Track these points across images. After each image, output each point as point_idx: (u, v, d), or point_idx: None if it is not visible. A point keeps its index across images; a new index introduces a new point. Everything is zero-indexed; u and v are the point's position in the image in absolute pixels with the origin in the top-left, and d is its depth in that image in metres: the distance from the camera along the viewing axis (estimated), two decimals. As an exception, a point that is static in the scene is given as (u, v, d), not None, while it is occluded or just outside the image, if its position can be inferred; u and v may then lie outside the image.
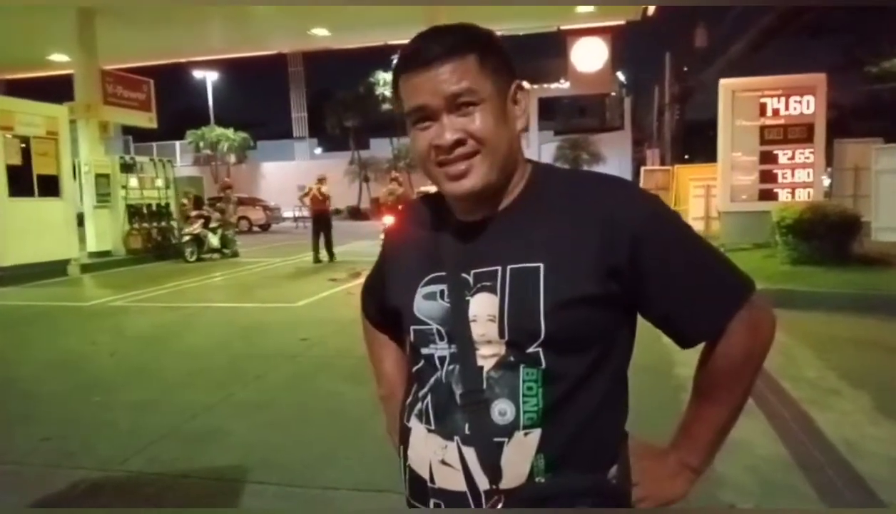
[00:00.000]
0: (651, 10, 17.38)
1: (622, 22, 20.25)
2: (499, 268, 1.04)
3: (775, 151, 11.63)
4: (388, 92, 36.51)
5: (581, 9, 17.70)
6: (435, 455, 1.07)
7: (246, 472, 3.43)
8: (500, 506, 1.03)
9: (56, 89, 17.32)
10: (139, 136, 32.48)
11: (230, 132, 42.63)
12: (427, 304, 1.10)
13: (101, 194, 14.84)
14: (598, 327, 1.04)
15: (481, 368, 1.03)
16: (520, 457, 1.01)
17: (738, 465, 3.23)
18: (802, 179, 11.58)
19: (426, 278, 1.11)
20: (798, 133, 11.54)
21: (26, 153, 12.07)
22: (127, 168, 15.46)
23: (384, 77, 37.81)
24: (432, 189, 1.13)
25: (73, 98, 15.11)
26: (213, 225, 15.39)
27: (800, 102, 11.49)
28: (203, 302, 9.41)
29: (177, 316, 8.30)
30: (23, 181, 11.91)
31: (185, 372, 5.54)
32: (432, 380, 1.09)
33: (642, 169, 25.11)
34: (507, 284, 1.03)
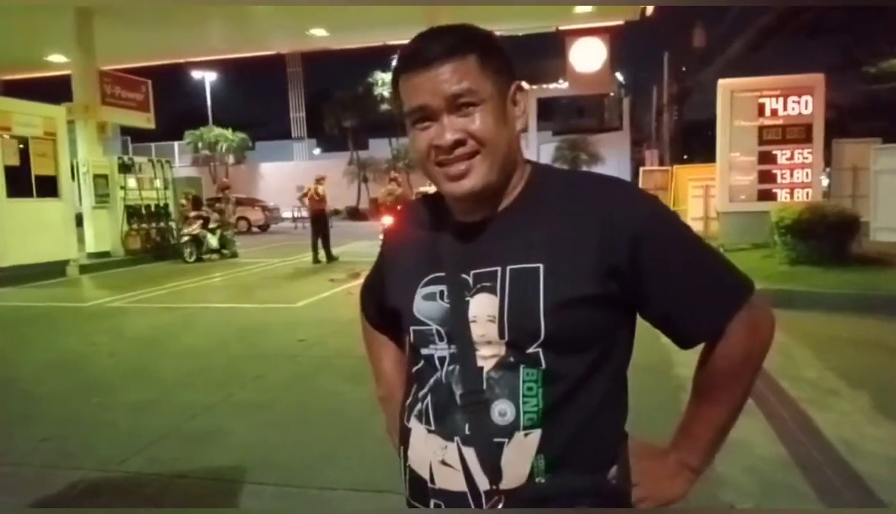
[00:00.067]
0: (649, 10, 17.40)
1: (621, 22, 20.27)
2: (498, 268, 1.04)
3: (774, 152, 11.64)
4: (386, 92, 36.51)
5: (580, 9, 17.72)
6: (435, 456, 1.07)
7: (245, 472, 3.43)
8: (500, 506, 1.03)
9: (54, 90, 17.32)
10: (137, 136, 32.42)
11: (229, 133, 42.63)
12: (427, 304, 1.10)
13: (100, 195, 14.84)
14: (597, 328, 1.04)
15: (481, 368, 1.04)
16: (520, 457, 1.02)
17: (737, 465, 3.23)
18: (801, 180, 11.59)
19: (426, 279, 1.11)
20: (796, 133, 11.55)
21: (24, 154, 12.05)
22: (125, 169, 15.45)
23: (383, 77, 37.81)
24: (431, 189, 1.13)
25: (72, 99, 15.11)
26: (211, 226, 15.39)
27: (798, 102, 11.51)
28: (202, 303, 9.40)
29: (176, 317, 8.30)
30: (21, 182, 11.90)
31: (185, 372, 5.54)
32: (432, 380, 1.09)
33: (641, 169, 25.13)
34: (506, 284, 1.03)
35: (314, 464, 3.53)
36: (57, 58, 18.42)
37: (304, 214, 17.49)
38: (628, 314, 1.09)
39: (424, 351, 1.11)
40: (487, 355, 1.04)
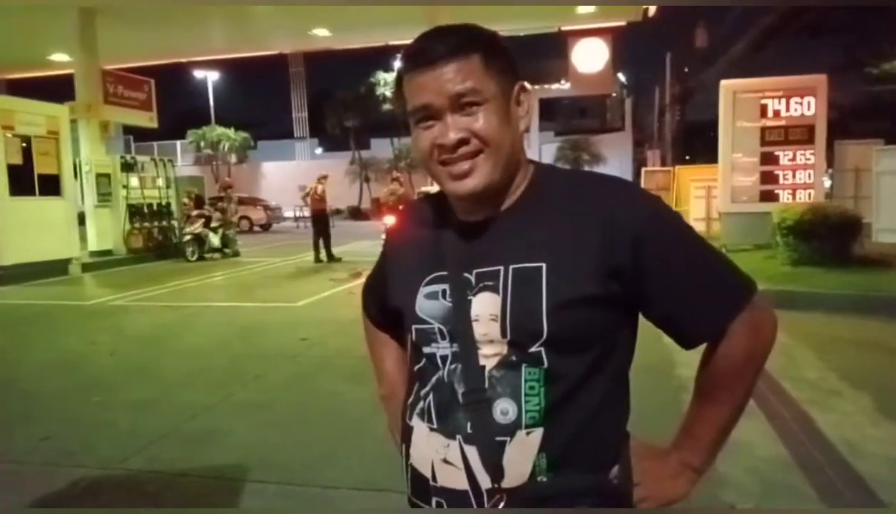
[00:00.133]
0: (652, 10, 17.38)
1: (623, 23, 20.23)
2: (501, 268, 1.04)
3: (776, 153, 11.64)
4: (388, 92, 36.55)
5: (582, 9, 17.70)
6: (437, 454, 1.07)
7: (246, 471, 3.43)
8: (501, 505, 1.03)
9: (57, 89, 17.33)
10: (140, 135, 32.51)
11: (231, 132, 42.65)
12: (429, 303, 1.10)
13: (102, 194, 14.85)
14: (599, 328, 1.04)
15: (483, 367, 1.04)
16: (522, 456, 1.01)
17: (738, 465, 3.23)
18: (803, 181, 11.58)
19: (428, 278, 1.11)
20: (799, 134, 11.54)
21: (27, 153, 12.08)
22: (128, 168, 15.46)
23: (385, 77, 37.82)
24: (433, 189, 1.13)
25: (74, 98, 15.12)
26: (213, 225, 15.41)
27: (800, 103, 11.50)
28: (203, 301, 9.41)
29: (177, 316, 8.31)
30: (24, 180, 11.92)
31: (185, 372, 5.54)
32: (434, 379, 1.09)
33: (643, 170, 25.10)
34: (509, 283, 1.03)
35: (315, 464, 3.53)
36: (60, 57, 18.44)
37: (306, 213, 17.48)
38: (630, 315, 1.09)
39: (426, 350, 1.11)
40: (489, 354, 1.04)
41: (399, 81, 1.07)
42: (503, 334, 1.02)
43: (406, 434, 1.15)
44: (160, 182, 16.33)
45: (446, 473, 1.06)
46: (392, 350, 1.39)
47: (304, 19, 17.27)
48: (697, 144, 34.96)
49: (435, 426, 1.08)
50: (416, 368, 1.14)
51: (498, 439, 1.02)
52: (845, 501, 2.97)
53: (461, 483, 1.04)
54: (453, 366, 1.06)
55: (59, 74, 19.31)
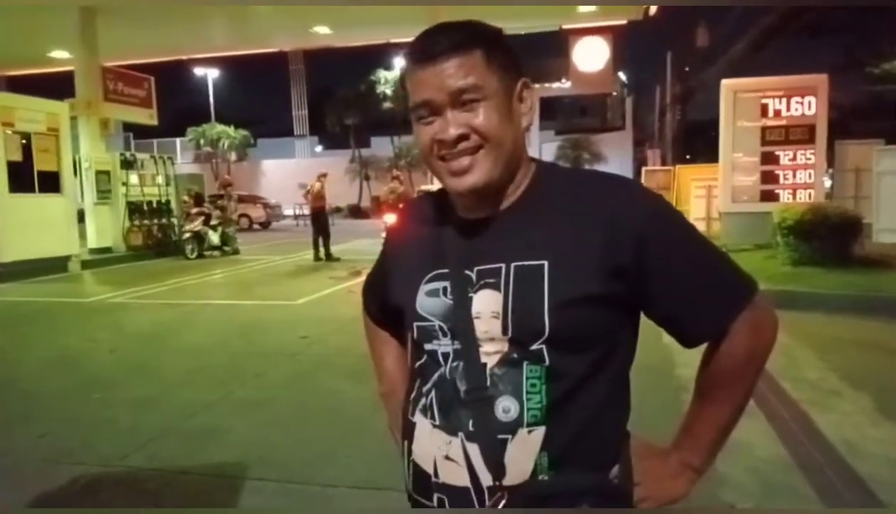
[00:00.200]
0: (653, 9, 17.38)
1: (624, 22, 20.25)
2: (503, 265, 1.04)
3: (776, 152, 11.64)
4: (389, 90, 36.57)
5: (583, 8, 17.72)
6: (439, 450, 1.07)
7: (245, 469, 3.43)
8: (502, 503, 1.02)
9: (57, 86, 17.33)
10: (140, 133, 32.46)
11: (231, 130, 42.64)
12: (430, 301, 1.10)
13: (102, 191, 14.86)
14: (601, 327, 1.04)
15: (484, 365, 1.03)
16: (523, 454, 1.01)
17: (738, 465, 3.23)
18: (804, 181, 11.59)
19: (429, 275, 1.11)
20: (799, 134, 11.54)
21: (27, 149, 12.08)
22: (128, 165, 15.46)
23: (385, 75, 37.82)
24: (433, 188, 1.13)
25: (74, 95, 15.12)
26: (213, 222, 15.41)
27: (801, 102, 11.50)
28: (203, 299, 9.41)
29: (177, 313, 8.31)
30: (23, 177, 11.92)
31: (185, 370, 5.54)
32: (436, 376, 1.09)
33: (643, 169, 25.12)
34: (510, 281, 1.03)
35: (314, 462, 3.53)
36: (60, 54, 18.44)
37: (306, 211, 17.47)
38: (632, 314, 1.09)
39: (427, 347, 1.11)
40: (491, 352, 1.03)
41: (404, 79, 1.07)
42: (504, 332, 1.02)
43: (408, 430, 1.14)
44: (160, 180, 16.33)
45: (448, 469, 1.06)
46: (392, 348, 1.39)
47: (304, 17, 17.28)
48: (698, 143, 34.95)
49: (437, 423, 1.07)
50: (417, 365, 1.14)
51: (500, 436, 1.01)
52: (845, 501, 2.97)
53: (463, 480, 1.04)
54: (455, 363, 1.06)
55: (59, 71, 19.31)
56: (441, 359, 1.08)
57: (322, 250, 13.84)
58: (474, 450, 1.03)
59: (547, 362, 1.01)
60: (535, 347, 1.01)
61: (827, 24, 27.66)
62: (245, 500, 3.14)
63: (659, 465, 1.12)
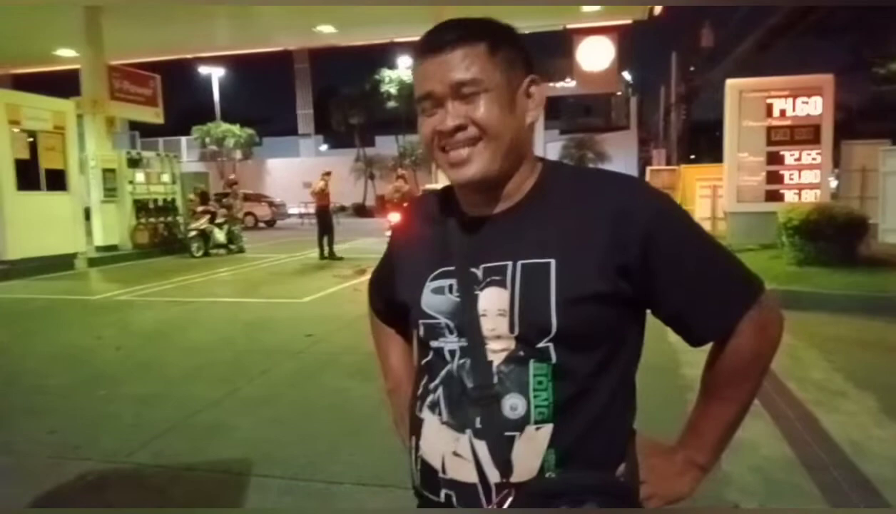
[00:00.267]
0: (658, 9, 17.33)
1: (629, 21, 20.20)
2: (509, 263, 1.04)
3: (782, 152, 11.60)
4: (393, 89, 36.53)
5: (587, 8, 17.68)
6: (447, 447, 1.07)
7: (250, 466, 3.44)
8: (510, 499, 1.03)
9: (63, 84, 17.39)
10: (146, 131, 32.57)
11: (236, 128, 42.65)
12: (436, 298, 1.10)
13: (108, 189, 14.92)
14: (607, 325, 1.04)
15: (491, 362, 1.04)
16: (531, 452, 1.02)
17: (743, 465, 3.23)
18: (809, 181, 11.55)
19: (435, 273, 1.11)
20: (805, 134, 11.51)
21: (34, 147, 12.13)
22: (133, 163, 15.52)
23: (390, 75, 37.75)
24: (438, 187, 1.13)
25: (80, 93, 15.16)
26: (219, 221, 15.44)
27: (807, 102, 11.47)
28: (209, 297, 9.44)
29: (182, 311, 8.33)
30: (30, 175, 11.98)
31: (191, 367, 5.56)
32: (443, 373, 1.09)
33: (648, 169, 25.10)
34: (517, 278, 1.03)
35: (319, 459, 3.54)
36: (66, 52, 18.50)
37: (311, 210, 17.48)
38: (638, 313, 1.09)
39: (434, 344, 1.11)
40: (497, 349, 1.04)
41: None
42: (511, 330, 1.02)
43: (416, 426, 1.15)
44: (166, 178, 16.38)
45: (456, 465, 1.06)
46: (398, 345, 1.40)
47: (309, 16, 17.29)
48: (703, 143, 34.91)
49: (445, 420, 1.08)
50: (424, 362, 1.15)
51: (507, 434, 1.02)
52: (850, 501, 2.96)
53: (470, 476, 1.05)
54: (462, 361, 1.07)
55: (65, 70, 19.39)
56: (448, 356, 1.08)
57: (326, 249, 13.86)
58: (482, 447, 1.03)
59: (554, 360, 1.02)
60: (541, 345, 1.01)
61: (833, 25, 27.55)
62: (250, 496, 3.16)
63: (664, 463, 1.13)
